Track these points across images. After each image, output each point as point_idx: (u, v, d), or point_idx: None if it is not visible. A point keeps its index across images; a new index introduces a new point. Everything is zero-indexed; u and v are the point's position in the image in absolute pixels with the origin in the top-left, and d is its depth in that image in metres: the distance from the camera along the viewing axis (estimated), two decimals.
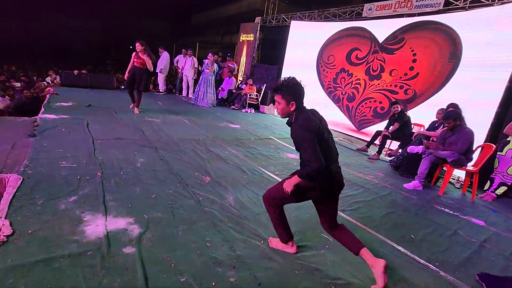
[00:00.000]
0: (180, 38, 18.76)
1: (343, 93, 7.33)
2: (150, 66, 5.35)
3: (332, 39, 7.63)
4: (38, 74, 10.83)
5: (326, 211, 1.93)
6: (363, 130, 6.92)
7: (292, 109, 1.88)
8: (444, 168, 4.06)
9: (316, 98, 7.93)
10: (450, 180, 4.61)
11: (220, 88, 9.44)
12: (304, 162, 1.71)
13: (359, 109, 6.98)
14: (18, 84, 7.44)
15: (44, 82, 8.07)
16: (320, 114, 1.96)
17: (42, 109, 5.04)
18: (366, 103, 6.84)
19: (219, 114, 7.32)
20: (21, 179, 2.50)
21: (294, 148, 4.94)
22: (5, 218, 2.02)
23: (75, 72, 8.26)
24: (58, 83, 8.12)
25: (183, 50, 9.41)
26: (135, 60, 5.38)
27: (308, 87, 8.13)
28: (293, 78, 1.94)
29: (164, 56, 9.07)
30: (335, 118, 7.51)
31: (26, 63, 15.32)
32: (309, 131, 1.74)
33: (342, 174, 1.89)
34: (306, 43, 8.22)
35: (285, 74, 8.73)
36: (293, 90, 1.89)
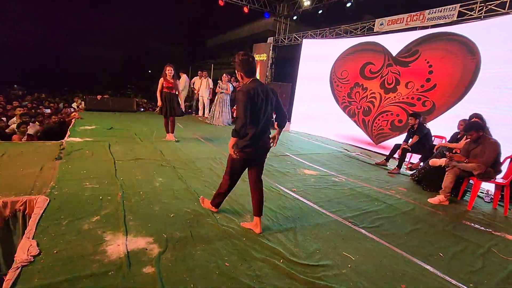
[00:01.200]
0: (196, 61, 19.50)
1: (359, 107, 7.25)
2: (179, 90, 5.22)
3: (345, 55, 7.66)
4: (65, 101, 11.48)
5: (254, 168, 2.48)
6: (381, 144, 6.76)
7: (240, 78, 2.31)
8: (471, 181, 3.87)
9: (331, 113, 7.88)
10: (479, 193, 4.37)
11: (235, 107, 9.58)
12: (236, 119, 2.20)
13: (376, 122, 6.86)
14: (48, 110, 7.90)
15: (71, 108, 8.52)
16: (262, 89, 2.29)
17: (68, 133, 5.30)
18: (382, 117, 6.73)
19: None
20: (48, 200, 2.60)
21: (310, 164, 4.91)
22: (32, 239, 2.10)
23: (98, 97, 8.70)
24: (83, 108, 8.56)
25: (199, 72, 9.73)
26: (164, 85, 5.10)
27: (323, 102, 8.00)
28: (243, 53, 2.28)
29: (184, 78, 9.48)
30: (351, 133, 7.40)
31: (54, 91, 16.34)
32: (244, 95, 2.16)
33: (267, 142, 2.42)
34: (318, 59, 8.29)
35: (299, 91, 8.81)
36: (240, 63, 2.27)
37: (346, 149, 6.70)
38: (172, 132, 5.50)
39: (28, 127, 5.87)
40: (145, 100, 14.20)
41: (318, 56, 8.28)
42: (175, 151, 4.84)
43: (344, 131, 7.57)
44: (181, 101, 5.14)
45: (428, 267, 2.31)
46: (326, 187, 3.89)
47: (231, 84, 8.97)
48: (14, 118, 6.44)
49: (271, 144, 2.48)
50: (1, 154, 3.83)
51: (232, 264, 2.06)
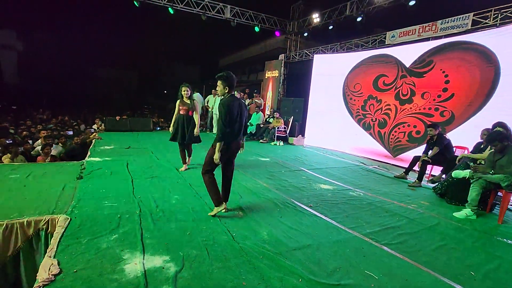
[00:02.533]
0: (209, 79, 20.01)
1: (373, 120, 7.14)
2: (197, 110, 4.55)
3: (357, 68, 7.65)
4: (85, 122, 11.96)
5: (227, 165, 3.16)
6: (399, 156, 6.59)
7: (226, 91, 3.01)
8: (499, 194, 3.66)
9: (345, 126, 7.81)
10: (509, 207, 4.12)
11: (248, 123, 9.65)
12: (219, 126, 2.91)
13: (393, 134, 6.72)
14: (70, 132, 8.24)
15: (91, 129, 8.86)
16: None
17: (89, 153, 5.50)
18: (399, 128, 6.58)
19: (249, 148, 7.40)
20: (69, 219, 2.66)
21: (326, 178, 4.84)
22: (54, 257, 2.14)
23: (117, 118, 9.01)
24: (103, 128, 8.88)
25: (213, 90, 9.96)
26: (180, 108, 4.54)
27: (336, 116, 7.94)
28: (229, 72, 3.01)
29: (197, 97, 9.71)
30: (367, 146, 7.28)
31: (76, 113, 17.10)
32: (225, 107, 2.89)
33: (239, 146, 3.14)
34: (330, 74, 8.31)
35: (312, 105, 8.79)
36: (229, 80, 2.98)
37: (362, 163, 6.59)
38: (188, 161, 4.81)
39: (52, 148, 6.13)
40: (162, 119, 14.59)
41: (330, 70, 8.31)
42: (191, 168, 4.90)
43: (360, 144, 7.46)
44: (197, 122, 4.52)
45: (458, 287, 2.16)
46: (343, 201, 3.80)
47: (243, 100, 9.09)
48: (39, 141, 6.75)
49: (241, 150, 3.22)
50: (27, 175, 3.99)
51: (249, 284, 2.01)
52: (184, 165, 4.83)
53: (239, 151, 3.19)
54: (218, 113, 2.98)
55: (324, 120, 8.42)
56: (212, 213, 3.05)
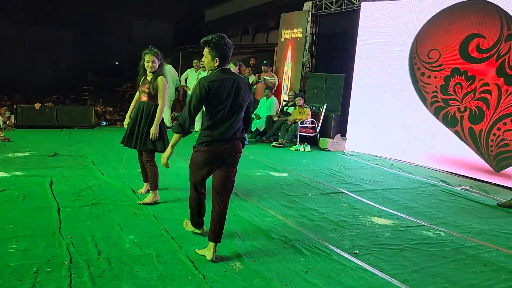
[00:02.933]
0: (189, 43, 20.10)
1: (461, 109, 7.09)
2: (163, 94, 4.40)
3: (433, 24, 7.60)
4: None
5: (219, 185, 3.26)
6: (505, 171, 6.52)
7: (216, 65, 3.14)
8: None
9: (413, 120, 7.77)
10: None
11: (253, 115, 9.67)
12: (183, 111, 3.20)
13: (494, 134, 6.64)
14: None
15: None
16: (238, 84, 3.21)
17: None
18: (505, 124, 6.50)
19: (254, 156, 7.41)
20: None
21: (382, 207, 4.89)
22: None
23: (37, 106, 9.07)
24: (12, 124, 8.93)
25: (195, 61, 10.00)
26: (140, 90, 4.53)
27: (398, 103, 8.05)
28: (223, 37, 3.14)
29: (169, 72, 9.70)
30: (450, 153, 7.23)
31: None
32: (202, 87, 3.05)
33: (231, 148, 3.24)
34: (388, 34, 8.28)
35: (358, 85, 8.80)
36: (221, 47, 3.09)
37: (444, 181, 6.57)
38: (153, 189, 4.52)
39: None
40: (110, 109, 14.68)
41: (388, 27, 8.29)
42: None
43: (439, 150, 7.41)
44: (158, 116, 4.38)
45: None
46: (411, 246, 3.77)
47: (245, 76, 9.08)
48: None
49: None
50: None
51: None
52: (145, 184, 4.83)
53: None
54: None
55: (378, 111, 8.38)
56: (186, 227, 3.76)
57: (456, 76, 7.19)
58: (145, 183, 4.82)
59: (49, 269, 2.84)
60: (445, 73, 7.36)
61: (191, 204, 3.51)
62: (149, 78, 4.47)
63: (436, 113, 7.50)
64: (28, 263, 2.91)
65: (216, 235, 3.20)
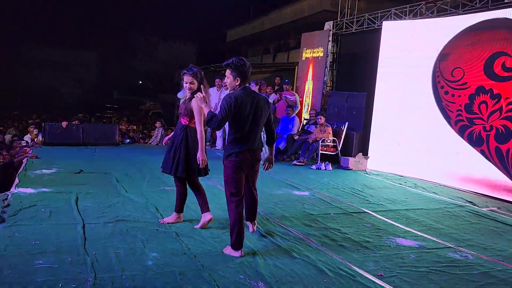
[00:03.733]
0: (211, 63, 20.37)
1: (487, 128, 6.97)
2: (200, 122, 4.10)
3: (456, 42, 7.55)
4: (16, 129, 12.41)
5: (247, 177, 3.87)
6: None
7: (237, 84, 3.59)
8: None
9: (437, 138, 7.65)
10: None
11: (296, 132, 9.65)
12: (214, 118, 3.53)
13: None
14: None
15: (23, 141, 9.17)
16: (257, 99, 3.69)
17: (17, 181, 5.63)
18: None
19: (274, 175, 7.38)
20: None
21: (407, 228, 4.81)
22: None
23: (63, 124, 9.29)
24: (40, 140, 9.15)
25: (217, 80, 10.11)
26: (181, 112, 4.30)
27: (421, 121, 7.95)
28: (242, 59, 3.59)
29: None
30: (477, 173, 7.09)
31: (0, 117, 17.89)
32: (229, 102, 3.48)
33: (255, 157, 3.82)
34: (410, 53, 8.25)
35: (380, 104, 8.73)
36: (241, 68, 3.56)
37: (470, 201, 6.44)
38: (178, 205, 4.42)
39: None
40: (134, 127, 14.96)
41: (410, 46, 8.27)
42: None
43: (465, 170, 7.30)
44: (201, 140, 4.09)
45: None
46: (438, 269, 3.66)
47: (268, 95, 9.13)
48: None
49: (263, 168, 4.03)
50: None
51: None
52: (175, 215, 4.43)
53: (261, 165, 3.97)
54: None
55: (401, 129, 8.31)
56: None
57: (481, 94, 7.10)
58: (177, 214, 4.45)
59: (74, 285, 2.86)
60: (470, 92, 7.27)
61: (237, 222, 3.63)
62: (187, 100, 4.23)
63: (460, 132, 7.39)
64: (54, 279, 2.92)
65: (255, 214, 4.23)
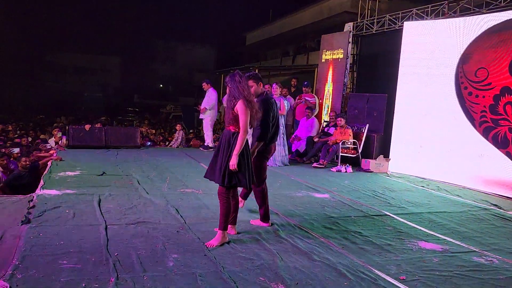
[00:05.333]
0: (230, 66, 20.50)
1: None
2: (243, 126, 3.87)
3: (480, 43, 7.43)
4: (40, 133, 12.70)
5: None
6: None
7: (261, 89, 4.51)
8: None
9: (461, 140, 7.55)
10: None
11: (293, 136, 9.64)
12: (265, 125, 4.44)
13: None
14: (16, 150, 8.78)
15: (47, 145, 9.37)
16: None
17: (42, 183, 5.77)
18: None
19: (295, 177, 7.37)
20: None
21: (430, 231, 4.78)
22: None
23: (87, 127, 9.47)
24: (64, 143, 9.34)
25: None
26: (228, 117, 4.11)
27: (444, 123, 7.85)
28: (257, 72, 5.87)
29: (212, 94, 10.00)
30: (501, 175, 6.97)
31: (24, 119, 18.34)
32: (268, 104, 4.46)
33: (274, 149, 4.81)
34: (432, 53, 8.17)
35: (401, 105, 8.65)
36: (259, 78, 4.57)
37: (495, 205, 6.32)
38: (223, 221, 3.99)
39: None
40: (153, 131, 15.13)
41: (432, 47, 8.19)
42: (199, 209, 5.00)
43: (488, 171, 7.19)
44: (237, 145, 3.85)
45: None
46: (462, 274, 3.61)
47: (285, 99, 9.13)
48: None
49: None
50: None
51: None
52: (229, 227, 4.17)
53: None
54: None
55: (423, 131, 8.23)
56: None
57: (506, 95, 6.98)
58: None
59: (96, 285, 2.91)
60: (495, 92, 7.16)
61: (265, 193, 4.54)
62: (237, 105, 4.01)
63: (485, 133, 7.27)
64: (78, 279, 2.99)
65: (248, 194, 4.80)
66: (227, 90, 4.05)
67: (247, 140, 4.02)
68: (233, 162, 3.79)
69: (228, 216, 3.98)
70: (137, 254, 3.51)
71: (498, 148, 7.05)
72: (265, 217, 4.56)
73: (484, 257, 4.06)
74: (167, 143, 12.12)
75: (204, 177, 4.22)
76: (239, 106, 3.85)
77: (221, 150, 3.98)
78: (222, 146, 3.98)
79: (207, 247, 3.76)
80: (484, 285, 3.41)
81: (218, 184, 4.00)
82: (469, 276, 3.55)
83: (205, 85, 10.17)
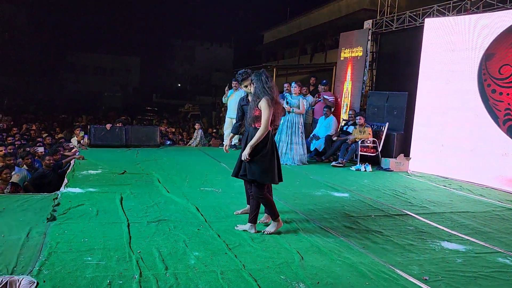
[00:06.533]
0: (248, 65, 20.51)
1: None
2: (265, 124, 4.03)
3: (503, 39, 7.29)
4: (63, 132, 12.94)
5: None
6: None
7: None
8: None
9: (484, 139, 7.45)
10: None
11: (312, 135, 9.60)
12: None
13: None
14: (41, 149, 8.97)
15: (70, 144, 9.54)
16: None
17: (66, 181, 5.88)
18: None
19: (314, 176, 7.35)
20: (35, 283, 2.82)
21: (452, 231, 4.72)
22: None
23: (108, 126, 9.60)
24: (86, 143, 9.50)
25: (233, 83, 10.16)
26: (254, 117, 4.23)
27: (466, 121, 7.71)
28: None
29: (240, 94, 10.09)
30: None
31: (48, 119, 18.71)
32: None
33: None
34: (454, 50, 8.06)
35: (422, 103, 8.57)
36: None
37: None
38: (271, 213, 4.29)
39: (13, 173, 6.65)
40: (173, 129, 15.26)
41: (454, 44, 8.10)
42: (218, 208, 5.03)
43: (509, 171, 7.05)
44: (255, 137, 4.03)
45: None
46: (486, 275, 3.56)
47: (304, 97, 9.10)
48: None
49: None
50: None
51: None
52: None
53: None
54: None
55: (445, 130, 8.14)
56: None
57: None
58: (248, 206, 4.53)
59: (121, 282, 2.96)
60: None
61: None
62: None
63: (509, 132, 7.15)
64: (102, 275, 3.05)
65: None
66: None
67: (274, 141, 4.24)
68: (246, 153, 4.00)
69: (272, 206, 4.22)
70: (159, 251, 3.55)
71: None
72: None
73: (510, 258, 3.99)
74: (186, 142, 12.21)
75: (232, 176, 4.41)
76: (263, 104, 4.00)
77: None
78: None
79: (263, 233, 4.15)
80: (510, 286, 3.36)
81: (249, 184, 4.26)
82: (494, 277, 3.50)
83: (236, 84, 10.19)
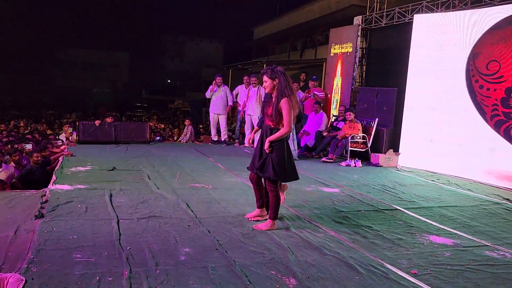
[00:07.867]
0: (238, 60, 20.45)
1: None
2: (289, 124, 4.10)
3: (491, 36, 7.35)
4: (49, 129, 12.83)
5: None
6: None
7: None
8: None
9: (471, 134, 7.51)
10: None
11: (302, 131, 9.62)
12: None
13: None
14: (29, 146, 8.88)
15: (58, 140, 9.45)
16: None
17: (54, 178, 5.82)
18: None
19: (304, 172, 7.35)
20: (23, 281, 2.78)
21: (441, 226, 4.76)
22: None
23: (97, 122, 9.53)
24: (75, 139, 9.42)
25: (245, 77, 10.16)
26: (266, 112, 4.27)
27: (454, 117, 7.75)
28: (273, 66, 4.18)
29: (236, 90, 10.30)
30: None
31: (36, 115, 18.51)
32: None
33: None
34: (443, 46, 8.11)
35: (411, 99, 8.60)
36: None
37: (507, 199, 6.26)
38: (272, 218, 4.29)
39: (0, 170, 6.58)
40: (162, 125, 15.18)
41: (442, 40, 8.14)
42: (209, 204, 5.01)
43: (500, 165, 7.15)
44: (277, 134, 4.12)
45: None
46: (474, 268, 3.60)
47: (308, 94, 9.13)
48: None
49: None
50: None
51: None
52: (257, 210, 4.56)
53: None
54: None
55: (433, 125, 8.20)
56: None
57: None
58: (258, 209, 4.56)
59: (110, 279, 2.95)
60: (506, 85, 7.09)
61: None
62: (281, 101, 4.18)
63: (496, 127, 7.20)
64: (92, 272, 3.03)
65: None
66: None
67: (288, 144, 4.29)
68: (266, 147, 4.10)
69: (278, 207, 4.27)
70: (149, 248, 3.54)
71: (509, 141, 6.99)
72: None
73: (496, 251, 4.03)
74: (175, 138, 12.17)
75: (247, 168, 4.48)
76: (285, 104, 4.02)
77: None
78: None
79: (254, 228, 4.20)
80: (496, 279, 3.39)
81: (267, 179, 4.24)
82: (481, 270, 3.53)
83: (219, 79, 10.18)
